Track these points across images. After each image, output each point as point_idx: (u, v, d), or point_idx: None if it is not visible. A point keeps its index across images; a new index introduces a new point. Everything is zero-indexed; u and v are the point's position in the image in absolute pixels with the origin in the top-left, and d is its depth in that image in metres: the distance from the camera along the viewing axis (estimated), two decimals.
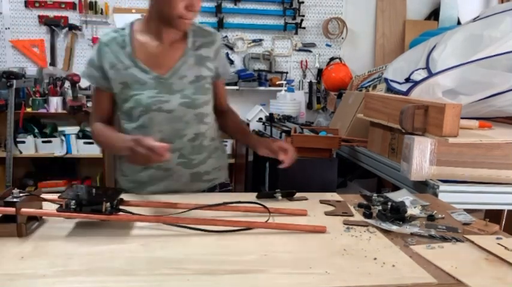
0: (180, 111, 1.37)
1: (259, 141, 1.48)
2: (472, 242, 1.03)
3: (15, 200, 1.01)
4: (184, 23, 1.31)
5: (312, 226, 1.09)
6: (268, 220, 1.13)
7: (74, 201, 1.03)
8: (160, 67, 1.37)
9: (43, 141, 3.73)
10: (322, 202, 1.32)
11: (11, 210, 0.98)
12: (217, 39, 1.46)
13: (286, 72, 4.23)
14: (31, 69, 3.86)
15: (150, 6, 1.36)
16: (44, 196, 1.12)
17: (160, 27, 1.36)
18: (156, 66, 1.36)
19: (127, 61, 1.35)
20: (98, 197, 1.06)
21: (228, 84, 4.02)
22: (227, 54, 4.14)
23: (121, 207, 1.12)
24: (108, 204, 1.05)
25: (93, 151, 3.78)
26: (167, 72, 1.37)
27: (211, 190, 1.51)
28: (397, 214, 1.16)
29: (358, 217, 1.21)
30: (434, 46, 2.17)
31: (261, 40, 4.18)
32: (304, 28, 4.17)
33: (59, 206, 1.05)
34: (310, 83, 4.22)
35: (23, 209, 1.00)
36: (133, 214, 1.09)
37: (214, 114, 1.51)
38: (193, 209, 1.16)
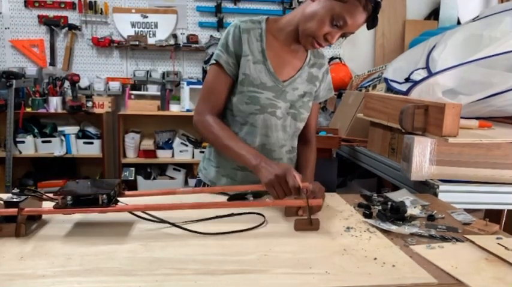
0: (287, 121, 1.40)
1: None
2: (472, 242, 1.03)
3: (15, 200, 1.01)
4: (314, 45, 1.30)
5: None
6: (264, 222, 1.13)
7: (70, 197, 1.03)
8: (282, 73, 1.37)
9: (43, 141, 3.73)
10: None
11: (13, 211, 0.98)
12: (326, 62, 1.49)
13: None
14: (31, 69, 3.86)
15: (297, 12, 1.34)
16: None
17: (293, 35, 1.34)
18: (279, 71, 1.37)
19: (259, 56, 1.34)
20: (93, 191, 1.06)
21: None
22: None
23: (119, 198, 1.11)
24: (105, 196, 1.04)
25: (92, 151, 3.78)
26: (287, 80, 1.38)
27: None
28: (397, 214, 1.16)
29: (358, 217, 1.21)
30: (434, 46, 2.17)
31: None
32: None
33: (55, 203, 1.05)
34: None
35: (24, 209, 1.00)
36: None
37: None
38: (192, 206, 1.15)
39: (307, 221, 1.07)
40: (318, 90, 1.47)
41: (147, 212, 1.09)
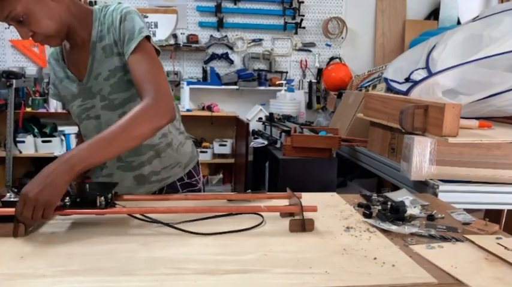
0: (104, 116, 1.30)
1: None
2: (472, 242, 1.03)
3: (13, 199, 1.01)
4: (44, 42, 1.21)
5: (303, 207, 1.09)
6: (262, 222, 1.13)
7: (67, 198, 1.03)
8: (80, 71, 1.30)
9: (43, 141, 3.73)
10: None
11: (10, 210, 0.98)
12: (114, 15, 1.24)
13: (286, 72, 4.23)
14: (31, 69, 3.86)
15: None
16: None
17: (63, 34, 1.26)
18: (78, 72, 1.30)
19: (61, 74, 1.33)
20: (91, 193, 1.06)
21: (227, 84, 4.04)
22: (227, 54, 4.15)
23: (115, 201, 1.12)
24: (103, 198, 1.04)
25: None
26: (85, 75, 1.28)
27: (168, 189, 1.42)
28: (397, 213, 1.16)
29: (358, 216, 1.21)
30: (434, 46, 2.17)
31: (260, 40, 4.19)
32: (304, 28, 4.17)
33: None
34: (310, 83, 4.23)
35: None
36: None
37: None
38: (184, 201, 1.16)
39: (301, 223, 1.07)
40: (123, 49, 1.23)
41: (145, 215, 1.09)
